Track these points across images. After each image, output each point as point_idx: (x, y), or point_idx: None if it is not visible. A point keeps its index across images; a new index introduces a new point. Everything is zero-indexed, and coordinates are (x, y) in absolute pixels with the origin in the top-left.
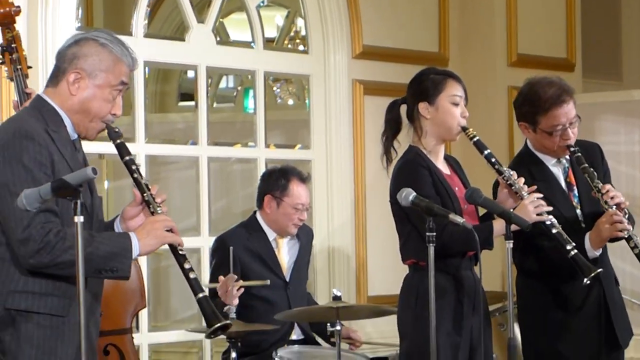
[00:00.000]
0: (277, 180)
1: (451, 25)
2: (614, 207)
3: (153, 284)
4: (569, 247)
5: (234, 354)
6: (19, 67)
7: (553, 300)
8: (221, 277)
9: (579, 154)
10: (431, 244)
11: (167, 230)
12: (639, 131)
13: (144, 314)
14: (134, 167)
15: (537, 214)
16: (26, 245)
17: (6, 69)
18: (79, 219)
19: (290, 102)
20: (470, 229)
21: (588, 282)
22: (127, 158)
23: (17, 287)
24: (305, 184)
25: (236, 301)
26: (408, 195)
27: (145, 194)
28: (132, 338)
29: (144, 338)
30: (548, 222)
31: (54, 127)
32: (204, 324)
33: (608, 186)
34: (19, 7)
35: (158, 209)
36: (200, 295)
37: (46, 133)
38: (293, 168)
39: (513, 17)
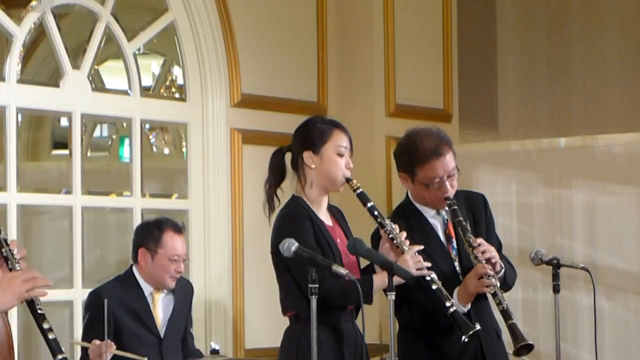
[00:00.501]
0: (150, 232)
1: (330, 74)
2: (484, 261)
3: (27, 338)
4: (448, 304)
5: None
6: None
7: (429, 354)
8: (96, 341)
9: (455, 207)
10: (313, 296)
11: (29, 284)
12: (515, 182)
13: None
14: None
15: (418, 269)
16: None
17: None
18: None
19: (166, 151)
20: (354, 280)
21: (466, 339)
22: None
23: None
24: (181, 234)
25: None
26: (291, 245)
27: (3, 249)
28: None
29: None
30: (428, 278)
31: None
32: None
33: (480, 240)
34: None
35: (17, 265)
36: (60, 357)
37: None
38: (167, 219)
39: (391, 68)
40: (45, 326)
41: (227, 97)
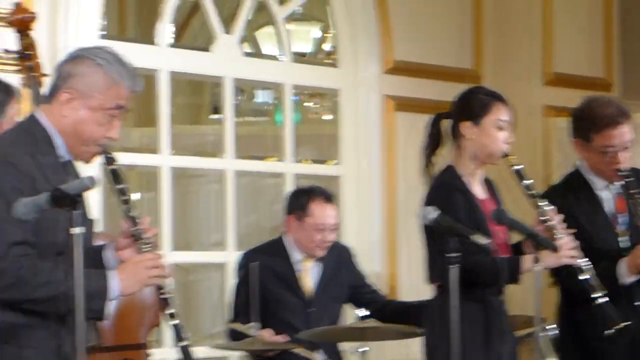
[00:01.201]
0: (299, 200)
1: (486, 42)
2: None
3: (183, 299)
4: (598, 295)
5: None
6: (34, 74)
7: (592, 327)
8: (265, 332)
9: (631, 179)
10: (453, 265)
11: (155, 270)
12: None
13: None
14: (124, 198)
15: (568, 257)
16: None
17: (21, 75)
18: (78, 230)
19: (326, 117)
20: (493, 259)
21: (610, 332)
22: (119, 186)
23: None
24: (331, 203)
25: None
26: (429, 213)
27: (133, 229)
28: (148, 354)
29: (167, 354)
30: (577, 266)
31: (42, 151)
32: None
33: None
34: (34, 14)
35: (144, 246)
36: (182, 343)
37: (31, 157)
38: (317, 187)
39: (549, 34)
40: (169, 311)
41: (379, 64)
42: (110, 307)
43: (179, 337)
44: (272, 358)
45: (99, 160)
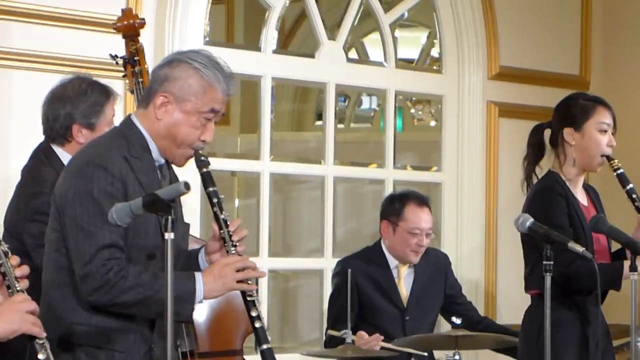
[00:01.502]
0: (393, 205)
1: (593, 48)
2: None
3: (282, 304)
4: None
5: None
6: (140, 80)
7: None
8: (364, 334)
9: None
10: (548, 273)
11: (240, 271)
12: None
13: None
14: (214, 200)
15: None
16: (86, 281)
17: (127, 81)
18: (170, 235)
19: (432, 123)
20: (593, 264)
21: None
22: (210, 189)
23: (80, 320)
24: (425, 207)
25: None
26: (525, 220)
27: (222, 231)
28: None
29: None
30: None
31: (136, 153)
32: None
33: None
34: (143, 19)
35: (232, 249)
36: (264, 347)
37: (125, 160)
38: (412, 192)
39: None
40: (254, 314)
41: (484, 70)
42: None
43: (261, 341)
44: None
45: (194, 164)
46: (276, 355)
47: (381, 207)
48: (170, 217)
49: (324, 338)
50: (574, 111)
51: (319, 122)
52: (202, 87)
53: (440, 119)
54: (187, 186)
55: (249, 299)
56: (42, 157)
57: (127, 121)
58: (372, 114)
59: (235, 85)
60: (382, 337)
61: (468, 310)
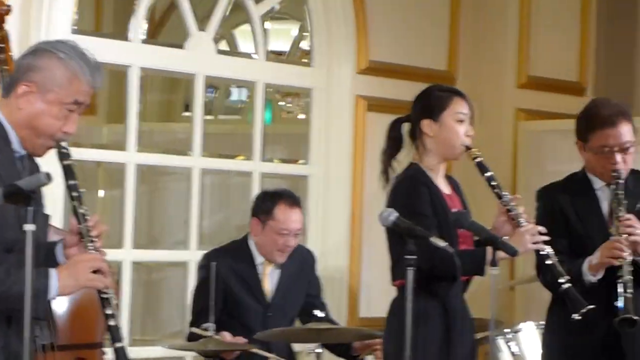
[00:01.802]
0: (264, 203)
1: (461, 44)
2: (623, 235)
3: (145, 296)
4: (561, 280)
5: None
6: (5, 67)
7: (569, 323)
8: (226, 334)
9: (619, 181)
10: (410, 268)
11: (95, 271)
12: None
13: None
14: (74, 194)
15: (534, 242)
16: None
17: None
18: (30, 227)
19: (301, 116)
20: (452, 253)
21: (579, 317)
22: (70, 182)
23: None
24: (296, 209)
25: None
26: (389, 215)
27: (80, 225)
28: (104, 352)
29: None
30: (543, 253)
31: None
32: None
33: (629, 215)
34: (9, 6)
35: (90, 244)
36: (117, 345)
37: None
38: (285, 191)
39: (525, 38)
40: (108, 312)
41: (353, 64)
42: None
43: (114, 339)
44: None
45: (55, 155)
46: (139, 348)
47: (253, 204)
48: (30, 209)
49: (188, 331)
50: (430, 102)
51: (188, 113)
52: (66, 78)
53: (308, 112)
54: (48, 177)
55: (103, 296)
56: None
57: None
58: (241, 106)
59: (101, 77)
60: (246, 340)
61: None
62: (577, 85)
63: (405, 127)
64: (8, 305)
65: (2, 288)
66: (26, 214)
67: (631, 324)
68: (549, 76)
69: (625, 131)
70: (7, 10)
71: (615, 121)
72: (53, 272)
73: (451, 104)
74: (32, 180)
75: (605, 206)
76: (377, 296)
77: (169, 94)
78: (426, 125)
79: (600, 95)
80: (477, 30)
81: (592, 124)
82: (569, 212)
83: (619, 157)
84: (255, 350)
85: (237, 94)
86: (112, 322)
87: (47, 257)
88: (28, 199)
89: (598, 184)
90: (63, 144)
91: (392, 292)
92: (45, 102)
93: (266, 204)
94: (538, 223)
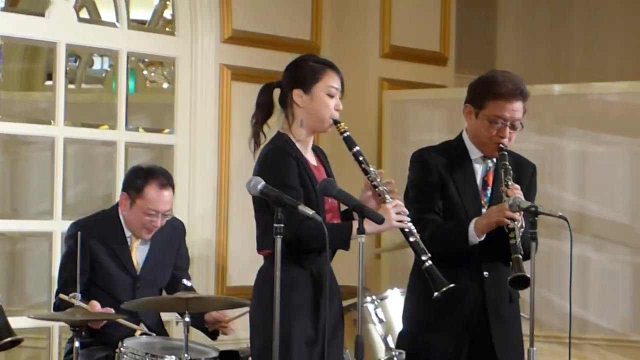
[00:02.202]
0: (135, 179)
1: (324, 14)
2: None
3: (9, 268)
4: (424, 258)
5: (77, 343)
6: None
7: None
8: (96, 305)
9: (505, 153)
10: (278, 236)
11: None
12: None
13: None
14: None
15: (398, 220)
16: None
17: None
18: None
19: (165, 85)
20: (320, 222)
21: (439, 295)
22: None
23: None
24: (167, 189)
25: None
26: (257, 183)
27: None
28: None
29: None
30: (407, 230)
31: None
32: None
33: (517, 185)
34: None
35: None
36: None
37: None
38: (157, 170)
39: (387, 8)
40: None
41: (217, 33)
42: None
43: None
44: (95, 330)
45: None
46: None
47: (124, 177)
48: None
49: (54, 301)
50: (303, 73)
51: (49, 82)
52: None
53: (173, 81)
54: None
55: None
56: None
57: None
58: (104, 75)
59: None
60: (113, 311)
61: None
62: (440, 55)
63: (276, 93)
64: None
65: None
66: None
67: (524, 283)
68: (412, 46)
69: (520, 108)
70: None
71: (517, 96)
72: None
73: (324, 77)
74: None
75: (479, 178)
76: (246, 265)
77: (29, 62)
78: (297, 95)
79: (460, 66)
80: (340, 1)
81: (493, 92)
82: (447, 178)
83: (507, 131)
84: (121, 320)
85: (99, 63)
86: None
87: None
88: None
89: (475, 154)
90: None
91: (260, 261)
92: None
93: (137, 181)
94: (412, 185)
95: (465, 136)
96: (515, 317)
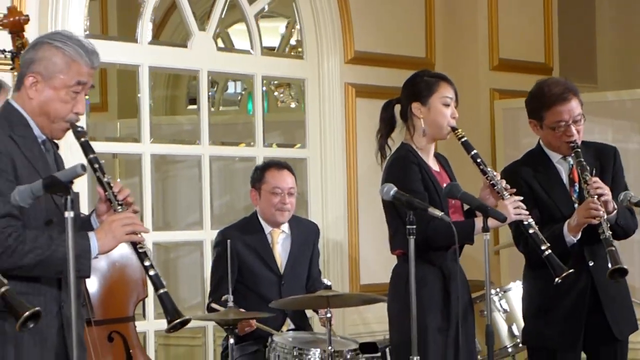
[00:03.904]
0: (255, 173)
1: (437, 32)
2: (595, 197)
3: (165, 275)
4: (543, 247)
5: (231, 340)
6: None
7: (545, 287)
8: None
9: (578, 150)
10: (411, 236)
11: (129, 227)
12: (611, 130)
13: (150, 303)
14: (96, 166)
15: (516, 214)
16: None
17: (16, 73)
18: (70, 214)
19: (293, 105)
20: (449, 222)
21: (559, 281)
22: (90, 156)
23: None
24: (283, 170)
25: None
26: (390, 190)
27: (107, 192)
28: (135, 326)
29: (150, 325)
30: (526, 223)
31: (19, 132)
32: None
33: (595, 179)
34: (27, 16)
35: (119, 207)
36: (161, 291)
37: (10, 139)
38: (272, 159)
39: (494, 24)
40: (147, 263)
41: (341, 55)
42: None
43: (157, 286)
44: (242, 337)
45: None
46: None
47: (250, 179)
48: (69, 197)
49: (207, 302)
50: (419, 87)
51: (191, 107)
52: (65, 63)
53: (302, 100)
54: (83, 168)
55: (140, 250)
56: None
57: (6, 105)
58: (239, 97)
59: (98, 58)
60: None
61: (317, 280)
62: (544, 65)
63: (397, 109)
64: (55, 267)
65: (48, 252)
66: (65, 203)
67: (622, 273)
68: (519, 58)
69: (575, 105)
70: (26, 20)
71: (567, 97)
72: (92, 234)
73: (439, 89)
74: (69, 172)
75: (564, 176)
76: (375, 265)
77: (172, 89)
78: (415, 107)
79: (565, 74)
80: (450, 20)
81: (545, 103)
82: (534, 185)
83: (573, 129)
84: (261, 326)
85: (232, 87)
86: (152, 272)
87: (83, 227)
88: (66, 188)
89: (555, 157)
90: (77, 123)
91: (388, 261)
92: (52, 88)
93: (257, 172)
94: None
95: (542, 143)
96: (626, 295)
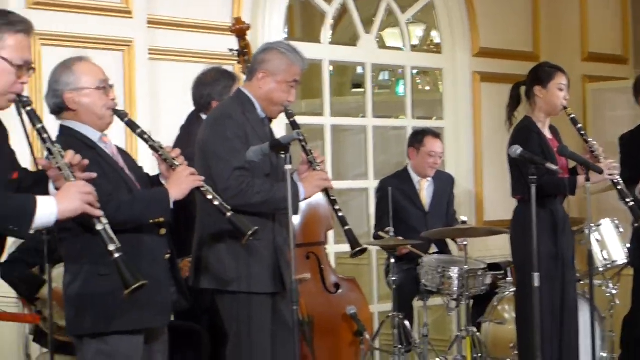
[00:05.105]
0: (416, 136)
1: (541, 30)
2: None
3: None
4: (627, 200)
5: (392, 260)
6: (249, 66)
7: None
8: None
9: None
10: (533, 185)
11: (324, 182)
12: None
13: (331, 233)
14: (302, 138)
15: (609, 174)
16: (226, 193)
17: (241, 66)
18: (289, 167)
19: (427, 88)
20: (561, 174)
21: (637, 225)
22: (298, 130)
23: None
24: (437, 138)
25: None
26: (517, 149)
27: (309, 157)
28: (325, 248)
29: (331, 248)
30: (615, 181)
31: (249, 111)
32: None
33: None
34: (249, 24)
35: (318, 167)
36: (347, 227)
37: (243, 114)
38: (429, 128)
39: (585, 24)
40: (337, 207)
41: (469, 50)
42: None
43: (343, 223)
44: (399, 258)
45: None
46: (340, 245)
47: (408, 140)
48: (289, 155)
49: (372, 232)
50: (542, 74)
51: (355, 90)
52: (287, 65)
53: (437, 85)
54: (299, 134)
55: (332, 197)
56: (193, 120)
57: (239, 91)
58: (390, 83)
59: (307, 62)
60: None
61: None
62: (622, 57)
63: (522, 89)
64: (274, 206)
65: (271, 194)
66: (286, 158)
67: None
68: (603, 51)
69: None
70: (248, 27)
71: None
72: (301, 185)
73: (556, 77)
74: (288, 136)
75: None
76: (495, 205)
77: (339, 77)
78: (537, 90)
79: (638, 62)
80: (552, 19)
81: None
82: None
83: None
84: (412, 249)
85: (382, 75)
86: (340, 213)
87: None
88: (286, 148)
89: None
90: (288, 108)
91: (503, 203)
92: (276, 82)
93: (418, 137)
94: (624, 160)
95: None
96: None
